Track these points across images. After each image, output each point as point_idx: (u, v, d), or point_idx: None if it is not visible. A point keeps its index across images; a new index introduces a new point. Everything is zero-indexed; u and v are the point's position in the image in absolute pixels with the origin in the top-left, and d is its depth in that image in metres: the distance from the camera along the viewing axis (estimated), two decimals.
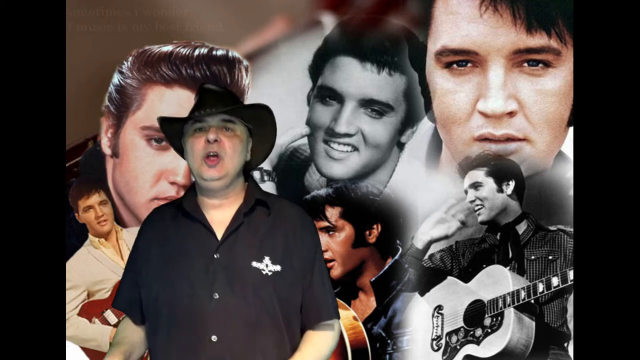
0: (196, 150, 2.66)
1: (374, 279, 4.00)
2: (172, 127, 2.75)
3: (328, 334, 2.74)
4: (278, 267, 2.66)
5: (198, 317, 2.61)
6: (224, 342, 2.60)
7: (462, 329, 3.85)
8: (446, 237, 3.94)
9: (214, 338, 2.60)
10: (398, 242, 4.01)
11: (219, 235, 2.67)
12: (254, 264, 2.65)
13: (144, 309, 2.72)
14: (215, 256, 2.65)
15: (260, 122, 2.73)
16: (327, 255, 4.00)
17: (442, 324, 3.90)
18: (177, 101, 3.98)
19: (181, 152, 2.76)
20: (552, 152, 3.87)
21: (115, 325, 4.04)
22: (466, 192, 3.91)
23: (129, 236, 4.16)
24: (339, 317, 2.79)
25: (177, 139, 2.75)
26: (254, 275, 2.64)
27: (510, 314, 3.73)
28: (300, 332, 2.73)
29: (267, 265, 2.66)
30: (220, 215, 2.70)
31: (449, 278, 3.93)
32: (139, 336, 2.75)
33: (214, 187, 2.68)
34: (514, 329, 3.71)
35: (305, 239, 2.74)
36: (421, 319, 3.94)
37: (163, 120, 2.76)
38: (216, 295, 2.62)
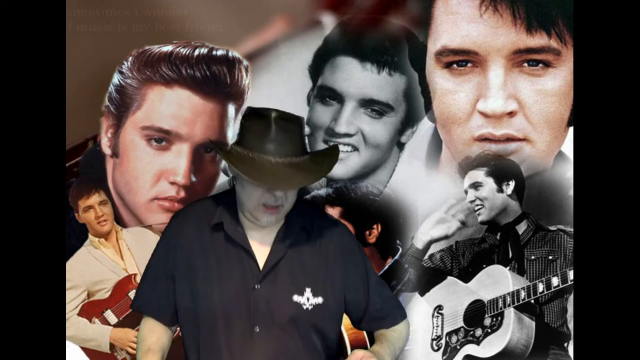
0: (256, 196, 2.54)
1: None
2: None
3: (397, 328, 2.77)
4: (320, 300, 2.62)
5: (240, 349, 2.56)
6: None
7: (462, 329, 3.85)
8: (446, 237, 3.94)
9: None
10: (398, 242, 4.01)
11: (260, 262, 2.61)
12: (295, 297, 2.60)
13: (180, 317, 2.66)
14: (256, 286, 2.59)
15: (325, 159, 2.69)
16: None
17: (442, 324, 3.90)
18: (177, 101, 3.98)
19: (231, 177, 2.66)
20: (552, 152, 3.87)
21: (116, 325, 4.04)
22: (466, 192, 3.91)
23: (129, 236, 4.15)
24: (405, 317, 2.81)
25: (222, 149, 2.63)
26: (294, 310, 2.59)
27: (510, 314, 3.73)
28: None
29: (307, 299, 2.60)
30: (260, 237, 2.63)
31: (449, 278, 3.93)
32: (167, 339, 2.70)
33: (266, 227, 2.62)
34: (514, 329, 3.71)
35: (349, 257, 2.71)
36: (421, 319, 3.94)
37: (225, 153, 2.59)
38: (257, 329, 2.57)
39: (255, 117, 2.59)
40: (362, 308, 2.72)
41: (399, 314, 2.79)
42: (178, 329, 2.74)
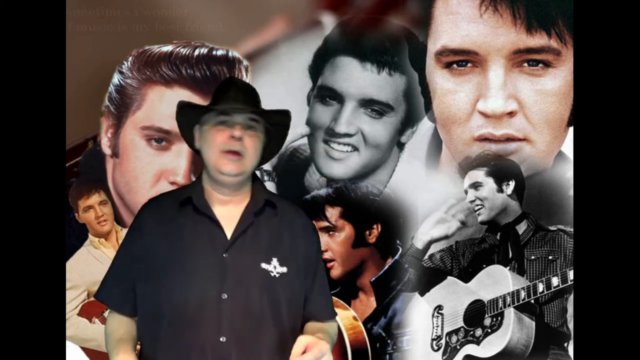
0: (217, 143, 2.66)
1: (374, 279, 4.00)
2: (190, 113, 2.75)
3: (328, 324, 2.79)
4: (285, 269, 2.68)
5: (207, 317, 2.61)
6: (232, 342, 2.61)
7: (462, 329, 3.85)
8: (446, 237, 3.94)
9: (222, 339, 2.60)
10: (398, 242, 4.01)
11: (228, 233, 2.68)
12: (263, 265, 2.66)
13: (140, 304, 2.70)
14: (224, 255, 2.65)
15: (279, 127, 2.76)
16: (327, 255, 4.00)
17: (442, 324, 3.90)
18: (177, 101, 3.98)
19: (190, 142, 2.76)
20: (552, 152, 3.87)
21: None
22: (466, 192, 3.91)
23: None
24: (335, 317, 2.85)
25: (189, 128, 2.75)
26: (262, 277, 2.65)
27: (510, 314, 3.73)
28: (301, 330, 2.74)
29: (275, 267, 2.67)
30: (226, 211, 2.71)
31: (449, 278, 3.93)
32: (134, 329, 2.72)
33: (228, 182, 2.69)
34: (514, 329, 3.71)
35: (309, 242, 2.78)
36: (421, 319, 3.94)
37: (185, 105, 2.77)
38: (224, 296, 2.62)
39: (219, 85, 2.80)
40: (306, 294, 2.77)
41: (330, 314, 2.83)
42: None
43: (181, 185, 4.02)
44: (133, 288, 2.71)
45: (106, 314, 2.84)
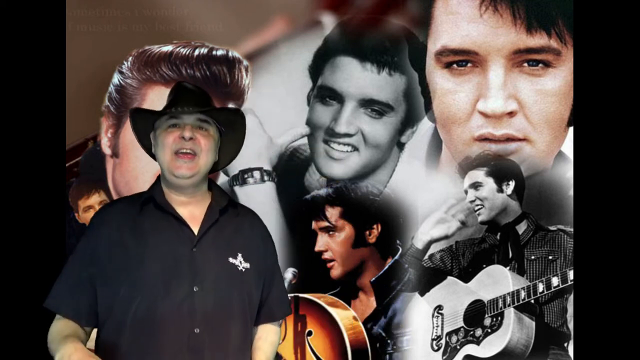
0: (168, 145, 2.70)
1: (374, 279, 4.00)
2: (144, 120, 2.77)
3: (277, 329, 2.90)
4: (248, 265, 2.76)
5: (182, 310, 2.64)
6: (205, 333, 2.64)
7: (462, 329, 3.85)
8: (446, 237, 3.94)
9: (196, 330, 2.63)
10: (398, 242, 4.01)
11: (194, 229, 2.72)
12: (230, 260, 2.73)
13: (102, 309, 2.66)
14: (193, 250, 2.69)
15: (232, 126, 2.80)
16: (327, 255, 4.00)
17: (442, 324, 3.90)
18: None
19: (148, 149, 2.80)
20: (552, 152, 3.87)
21: None
22: (466, 192, 3.91)
23: None
24: (290, 314, 2.97)
25: (146, 136, 2.78)
26: (230, 271, 2.72)
27: (510, 314, 3.73)
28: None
29: (240, 262, 2.75)
30: (187, 211, 2.75)
31: (449, 278, 3.92)
32: (83, 334, 2.67)
33: (184, 185, 2.73)
34: (514, 329, 3.71)
35: (267, 244, 2.88)
36: (421, 319, 3.94)
37: (135, 112, 2.79)
38: (196, 289, 2.65)
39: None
40: (263, 295, 2.85)
41: (282, 314, 2.92)
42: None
43: None
44: (90, 296, 2.67)
45: None
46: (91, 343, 2.66)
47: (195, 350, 2.63)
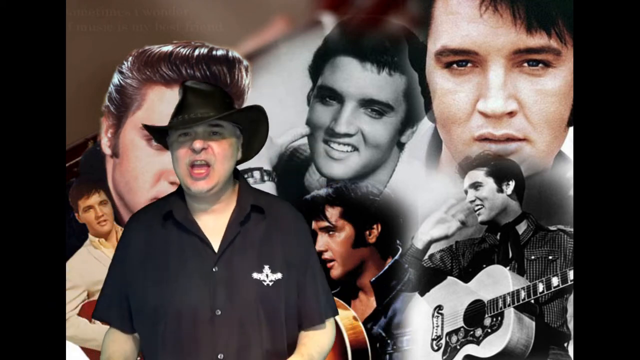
0: (181, 158, 2.57)
1: (374, 279, 4.00)
2: (156, 134, 2.69)
3: (322, 332, 2.69)
4: (279, 275, 2.60)
5: (203, 335, 2.55)
6: (230, 358, 2.55)
7: (462, 329, 3.85)
8: (446, 237, 3.94)
9: (220, 356, 2.55)
10: (398, 242, 4.01)
11: (215, 246, 2.60)
12: (255, 275, 2.59)
13: (135, 318, 2.65)
14: (214, 269, 2.58)
15: (252, 121, 2.66)
16: (327, 255, 4.00)
17: (442, 324, 3.90)
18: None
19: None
20: (552, 152, 3.87)
21: None
22: (466, 192, 3.91)
23: None
24: (334, 315, 2.73)
25: (164, 139, 2.67)
26: (255, 288, 2.58)
27: (510, 314, 3.73)
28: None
29: (267, 276, 2.59)
30: (212, 221, 2.63)
31: (449, 278, 3.93)
32: (130, 346, 2.69)
33: (203, 197, 2.61)
34: (514, 329, 3.71)
35: (300, 239, 2.68)
36: (421, 319, 3.94)
37: (145, 128, 2.70)
38: (219, 312, 2.56)
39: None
40: (299, 294, 2.67)
41: (322, 316, 2.69)
42: None
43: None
44: (128, 305, 2.66)
45: None
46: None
47: None
